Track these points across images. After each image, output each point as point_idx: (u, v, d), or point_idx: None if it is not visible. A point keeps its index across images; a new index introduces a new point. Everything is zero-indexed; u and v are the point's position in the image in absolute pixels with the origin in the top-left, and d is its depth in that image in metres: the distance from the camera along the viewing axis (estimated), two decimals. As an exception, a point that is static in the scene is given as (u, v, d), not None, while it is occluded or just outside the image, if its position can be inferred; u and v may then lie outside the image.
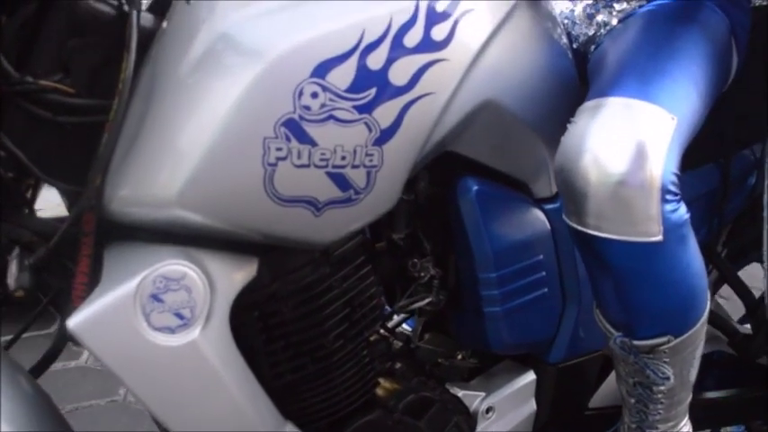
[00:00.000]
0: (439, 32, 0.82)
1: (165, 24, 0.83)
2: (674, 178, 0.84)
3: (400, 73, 0.80)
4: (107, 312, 0.76)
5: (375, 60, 0.78)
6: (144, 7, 0.86)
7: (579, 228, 0.87)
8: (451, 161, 0.95)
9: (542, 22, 1.01)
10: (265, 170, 0.77)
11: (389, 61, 0.79)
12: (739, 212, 1.22)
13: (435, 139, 0.87)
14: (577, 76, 1.06)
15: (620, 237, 0.83)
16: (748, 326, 1.33)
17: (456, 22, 0.83)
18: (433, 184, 0.99)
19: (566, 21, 1.12)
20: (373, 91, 0.79)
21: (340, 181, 0.81)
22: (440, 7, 0.82)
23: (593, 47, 1.09)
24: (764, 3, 1.32)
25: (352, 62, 0.78)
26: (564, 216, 0.90)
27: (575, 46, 1.11)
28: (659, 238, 0.83)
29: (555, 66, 1.01)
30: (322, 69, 0.77)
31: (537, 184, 1.03)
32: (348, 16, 0.79)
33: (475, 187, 0.97)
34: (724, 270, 1.26)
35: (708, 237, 1.19)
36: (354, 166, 0.80)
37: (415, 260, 1.03)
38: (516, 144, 0.98)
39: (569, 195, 0.87)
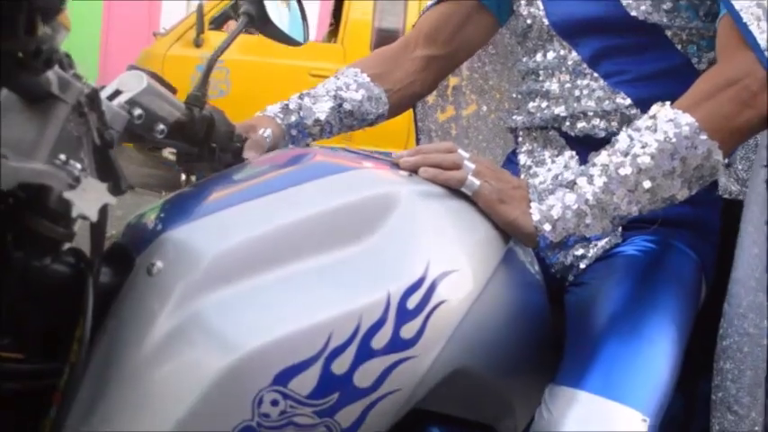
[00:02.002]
0: (408, 331, 0.79)
1: (124, 287, 0.80)
2: None
3: (365, 376, 0.77)
4: None
5: (340, 365, 0.76)
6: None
7: None
8: (415, 412, 0.92)
9: (517, 266, 0.98)
10: None
11: (355, 365, 0.76)
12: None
13: (401, 414, 0.84)
14: (548, 306, 1.04)
15: None
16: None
17: (427, 318, 0.80)
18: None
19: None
20: (336, 396, 0.76)
21: None
22: (411, 303, 0.79)
23: (571, 276, 1.08)
24: (741, 196, 1.31)
25: (316, 369, 0.75)
26: None
27: (552, 271, 1.10)
28: None
29: (528, 311, 0.98)
30: (284, 377, 0.74)
31: (502, 425, 1.00)
32: (318, 312, 0.76)
33: (439, 438, 0.95)
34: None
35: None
36: None
37: None
38: (483, 396, 0.95)
39: None
